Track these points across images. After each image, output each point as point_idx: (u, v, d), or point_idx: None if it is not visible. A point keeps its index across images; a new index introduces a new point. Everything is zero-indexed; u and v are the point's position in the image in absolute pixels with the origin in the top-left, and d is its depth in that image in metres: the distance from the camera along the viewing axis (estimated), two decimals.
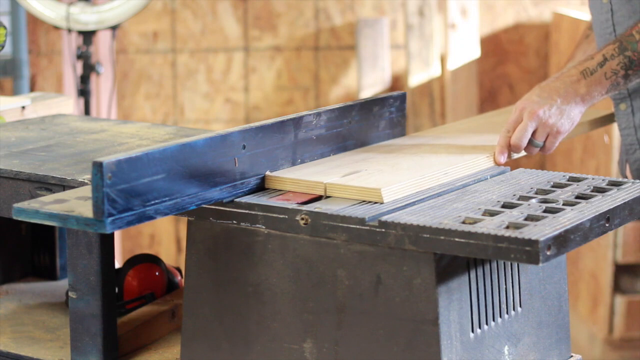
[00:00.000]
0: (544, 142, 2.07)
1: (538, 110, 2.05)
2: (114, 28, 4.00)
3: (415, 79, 4.53)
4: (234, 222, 1.76)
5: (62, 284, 2.42)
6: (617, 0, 2.36)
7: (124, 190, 1.65)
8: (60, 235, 2.46)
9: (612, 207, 1.73)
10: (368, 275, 1.67)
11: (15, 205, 1.70)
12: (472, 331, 1.71)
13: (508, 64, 4.72)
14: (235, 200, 1.78)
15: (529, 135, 2.05)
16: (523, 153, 2.08)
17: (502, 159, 2.03)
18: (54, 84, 4.85)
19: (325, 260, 1.70)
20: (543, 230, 1.58)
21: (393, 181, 1.80)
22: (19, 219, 1.70)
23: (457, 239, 1.59)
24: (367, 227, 1.66)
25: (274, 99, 4.85)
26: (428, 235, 1.61)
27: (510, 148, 2.05)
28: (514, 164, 2.06)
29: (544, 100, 2.07)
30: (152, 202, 1.69)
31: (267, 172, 1.86)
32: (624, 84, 2.13)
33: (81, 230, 1.78)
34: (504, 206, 1.74)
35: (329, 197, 1.79)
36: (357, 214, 1.68)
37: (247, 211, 1.76)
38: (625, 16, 2.35)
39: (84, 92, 4.01)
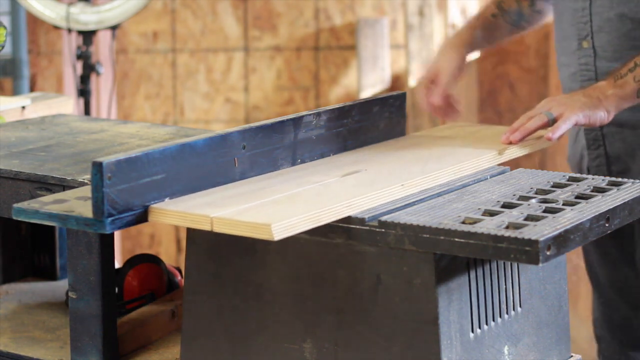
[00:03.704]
0: (557, 118, 2.08)
1: (557, 96, 2.12)
2: (114, 28, 4.00)
3: (415, 79, 4.53)
4: None
5: (62, 284, 2.41)
6: None
7: (124, 190, 1.65)
8: (60, 235, 2.46)
9: (612, 207, 1.73)
10: (368, 275, 1.67)
11: (15, 205, 1.70)
12: (472, 331, 1.71)
13: (508, 64, 4.72)
14: None
15: (543, 108, 2.09)
16: (536, 125, 2.06)
17: (511, 136, 2.05)
18: (54, 84, 4.85)
19: (325, 260, 1.70)
20: (543, 230, 1.58)
21: (287, 215, 1.61)
22: (19, 219, 1.70)
23: (457, 239, 1.59)
24: (367, 227, 1.66)
25: (274, 99, 4.85)
26: (428, 235, 1.61)
27: (523, 125, 2.06)
28: (514, 164, 2.06)
29: (568, 95, 2.14)
30: (152, 202, 1.69)
31: (152, 204, 1.70)
32: None
33: (81, 230, 1.78)
34: (503, 206, 1.74)
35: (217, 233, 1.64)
36: (357, 214, 1.68)
37: None
38: (606, 7, 2.32)
39: (84, 92, 4.01)
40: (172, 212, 1.68)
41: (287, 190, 1.77)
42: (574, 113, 2.06)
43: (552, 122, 2.06)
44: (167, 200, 1.71)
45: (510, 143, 2.05)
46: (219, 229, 1.63)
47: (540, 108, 2.09)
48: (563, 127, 2.04)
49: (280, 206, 1.68)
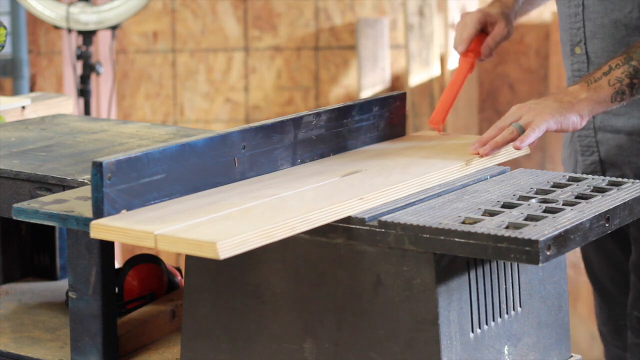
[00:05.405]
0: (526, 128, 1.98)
1: (527, 102, 2.04)
2: (114, 28, 4.01)
3: (415, 79, 4.53)
4: None
5: (62, 284, 2.41)
6: None
7: (124, 190, 1.65)
8: (60, 235, 2.46)
9: (612, 207, 1.73)
10: (368, 275, 1.67)
11: (15, 205, 1.70)
12: (472, 331, 1.71)
13: (508, 64, 4.72)
14: None
15: (513, 117, 2.00)
16: (508, 135, 1.99)
17: (480, 150, 1.98)
18: (54, 84, 4.85)
19: (325, 260, 1.70)
20: (543, 231, 1.58)
21: (236, 232, 1.52)
22: (19, 219, 1.70)
23: (457, 239, 1.59)
24: (367, 227, 1.66)
25: (274, 99, 4.85)
26: (428, 235, 1.61)
27: (492, 138, 1.99)
28: (514, 164, 2.05)
29: (538, 100, 2.06)
30: (152, 202, 1.69)
31: (93, 221, 1.60)
32: (630, 93, 2.10)
33: (81, 230, 1.78)
34: (503, 206, 1.74)
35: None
36: (357, 214, 1.68)
37: None
38: (600, 13, 2.31)
39: (84, 92, 4.02)
40: (114, 228, 1.57)
41: (242, 203, 1.69)
42: (543, 120, 1.97)
43: (522, 133, 1.98)
44: (123, 211, 1.63)
45: (479, 155, 1.99)
46: (163, 246, 1.52)
47: (511, 116, 2.01)
48: (532, 136, 1.96)
49: (230, 222, 1.58)
